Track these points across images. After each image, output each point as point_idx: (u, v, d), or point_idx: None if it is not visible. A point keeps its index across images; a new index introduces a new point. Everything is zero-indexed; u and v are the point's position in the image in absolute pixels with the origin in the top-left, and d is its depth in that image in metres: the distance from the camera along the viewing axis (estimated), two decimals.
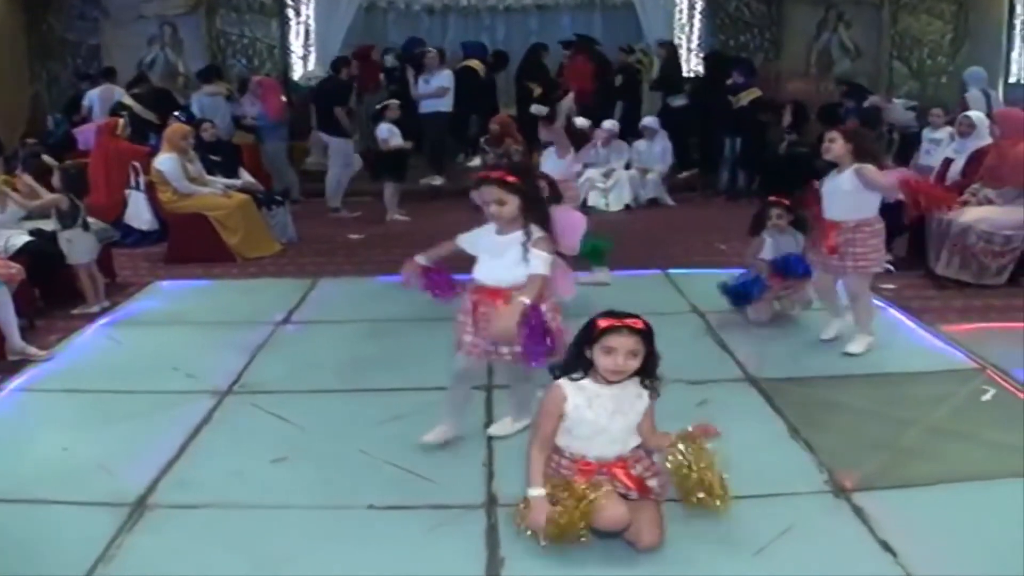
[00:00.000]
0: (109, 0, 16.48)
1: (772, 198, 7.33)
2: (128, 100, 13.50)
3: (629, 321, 3.75)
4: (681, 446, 4.01)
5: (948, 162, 9.55)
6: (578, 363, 3.88)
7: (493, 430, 5.04)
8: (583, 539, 3.82)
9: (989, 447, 4.92)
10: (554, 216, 4.77)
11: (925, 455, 4.84)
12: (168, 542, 4.09)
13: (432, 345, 6.12)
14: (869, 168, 6.15)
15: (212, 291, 8.54)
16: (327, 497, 4.45)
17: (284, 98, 14.23)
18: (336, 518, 4.27)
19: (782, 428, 5.17)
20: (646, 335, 3.78)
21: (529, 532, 3.88)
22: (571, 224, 4.78)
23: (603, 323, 3.76)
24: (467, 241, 4.78)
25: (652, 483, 3.92)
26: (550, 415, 3.89)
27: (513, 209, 4.50)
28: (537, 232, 4.52)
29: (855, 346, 6.39)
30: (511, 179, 4.52)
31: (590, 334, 3.80)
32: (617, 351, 3.74)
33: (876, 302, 7.46)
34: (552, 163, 8.06)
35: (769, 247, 7.11)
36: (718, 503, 4.00)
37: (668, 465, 4.02)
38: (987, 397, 5.63)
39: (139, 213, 10.63)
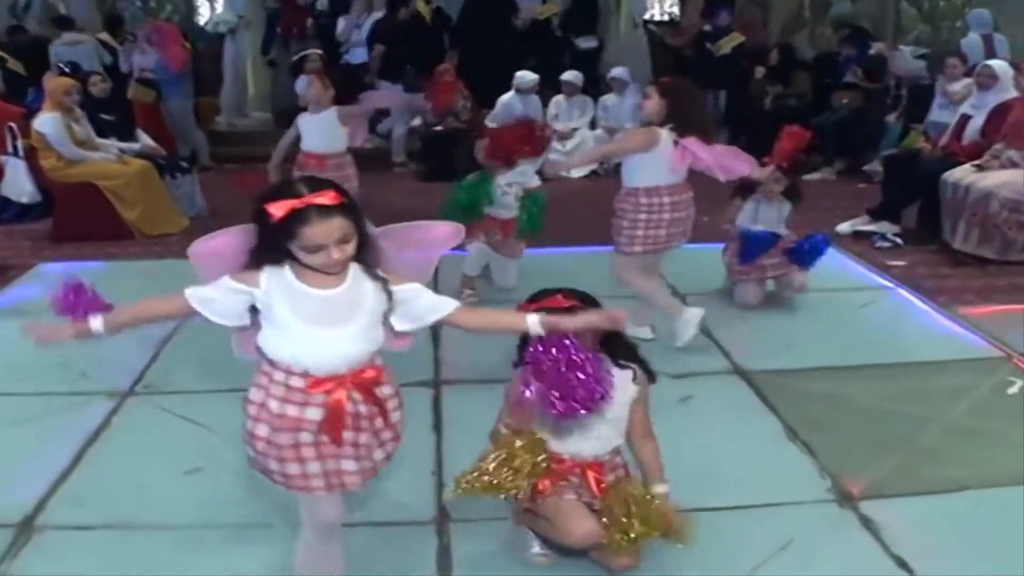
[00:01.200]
0: None
1: (766, 159, 7.37)
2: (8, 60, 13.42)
3: (549, 302, 3.55)
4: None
5: (965, 119, 9.60)
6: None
7: None
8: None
9: (1017, 447, 4.95)
10: (392, 236, 3.53)
11: (943, 457, 4.90)
12: (60, 570, 4.07)
13: None
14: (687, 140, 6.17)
15: (107, 274, 8.43)
16: (250, 514, 4.43)
17: (187, 46, 14.13)
18: (261, 539, 4.26)
19: (777, 428, 5.22)
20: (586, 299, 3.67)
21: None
22: (425, 242, 3.62)
23: (528, 304, 3.60)
24: (211, 303, 3.44)
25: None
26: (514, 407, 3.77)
27: (354, 248, 3.24)
28: (382, 273, 3.37)
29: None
30: (346, 199, 3.20)
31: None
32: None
33: (883, 281, 7.54)
34: None
35: (748, 214, 7.19)
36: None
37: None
38: (1014, 390, 5.70)
39: (18, 183, 10.52)
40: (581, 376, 3.36)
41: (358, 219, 3.22)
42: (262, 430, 3.35)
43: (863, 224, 9.26)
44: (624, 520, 3.72)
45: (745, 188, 7.18)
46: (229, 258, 3.38)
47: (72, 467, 4.91)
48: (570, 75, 13.42)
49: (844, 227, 9.24)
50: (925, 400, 5.52)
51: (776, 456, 4.93)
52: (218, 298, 3.36)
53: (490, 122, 13.07)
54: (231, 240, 3.42)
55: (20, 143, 10.51)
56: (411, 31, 14.20)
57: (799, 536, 4.16)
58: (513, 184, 7.29)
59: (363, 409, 3.35)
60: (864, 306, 7.24)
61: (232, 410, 4.71)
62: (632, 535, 3.72)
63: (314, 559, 3.68)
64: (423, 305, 3.40)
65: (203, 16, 16.68)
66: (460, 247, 6.91)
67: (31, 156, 10.29)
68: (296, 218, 3.08)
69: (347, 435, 3.35)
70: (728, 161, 6.25)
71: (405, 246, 3.56)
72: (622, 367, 3.79)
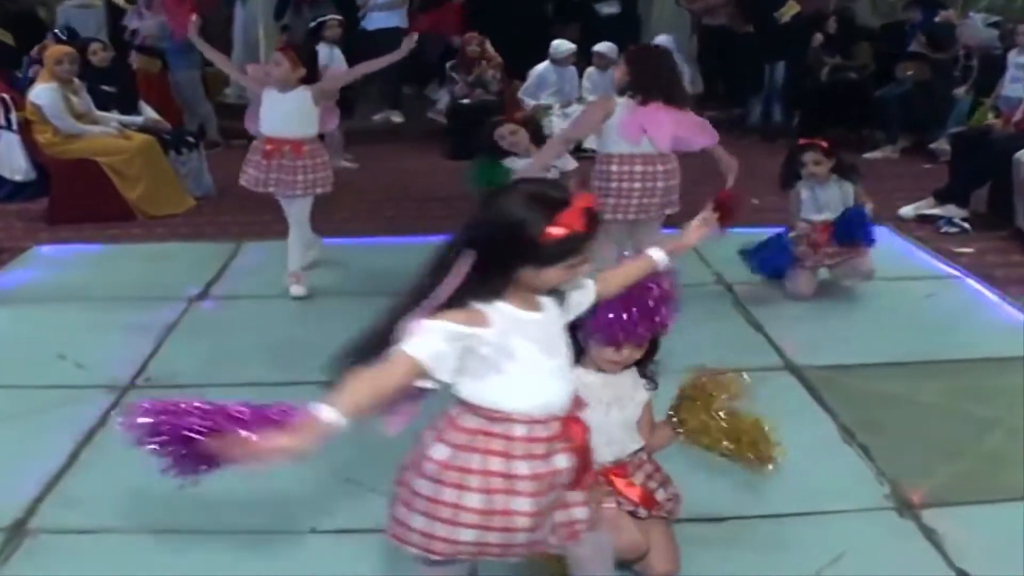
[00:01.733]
0: None
1: (803, 140, 7.37)
2: None
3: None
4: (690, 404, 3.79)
5: None
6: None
7: None
8: None
9: None
10: None
11: (1012, 462, 4.85)
12: (53, 574, 4.08)
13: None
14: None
15: (108, 258, 8.49)
16: (257, 519, 4.43)
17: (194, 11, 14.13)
18: (268, 546, 4.26)
19: (832, 429, 5.20)
20: None
21: None
22: None
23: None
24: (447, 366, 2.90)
25: (659, 495, 3.88)
26: None
27: None
28: None
29: None
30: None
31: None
32: (621, 345, 3.63)
33: (950, 270, 7.51)
34: None
35: (808, 202, 7.14)
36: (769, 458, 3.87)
37: (684, 430, 3.79)
38: None
39: (11, 159, 10.56)
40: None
41: None
42: (474, 501, 2.95)
43: (928, 207, 9.21)
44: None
45: (789, 175, 7.19)
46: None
47: (67, 466, 4.91)
48: (603, 47, 13.29)
49: (907, 210, 9.20)
50: (993, 400, 5.49)
51: (831, 460, 4.90)
52: (445, 350, 2.81)
53: (523, 95, 13.08)
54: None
55: (14, 116, 10.53)
56: None
57: (855, 546, 4.14)
58: (551, 169, 7.22)
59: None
60: (928, 297, 7.21)
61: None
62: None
63: None
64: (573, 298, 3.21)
65: None
66: None
67: (26, 130, 10.29)
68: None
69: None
70: (686, 133, 6.47)
71: None
72: (642, 375, 3.85)
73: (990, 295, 7.21)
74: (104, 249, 8.74)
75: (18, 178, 10.53)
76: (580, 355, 3.62)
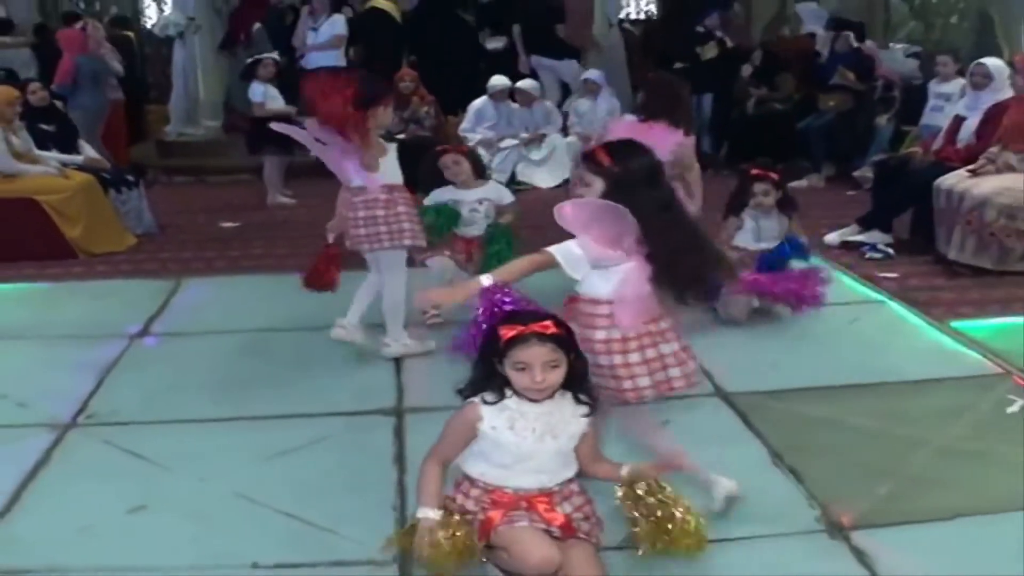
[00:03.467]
0: None
1: (756, 171, 7.40)
2: None
3: (536, 326, 3.58)
4: (639, 487, 3.93)
5: (959, 120, 9.66)
6: (491, 382, 3.72)
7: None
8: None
9: (1016, 470, 4.94)
10: None
11: (939, 482, 4.88)
12: None
13: (327, 360, 6.12)
14: None
15: (48, 296, 8.42)
16: (199, 555, 4.36)
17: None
18: None
19: (762, 453, 5.19)
20: (562, 340, 3.62)
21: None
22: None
23: (506, 332, 3.62)
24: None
25: (582, 525, 3.82)
26: (457, 434, 3.82)
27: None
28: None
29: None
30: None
31: (494, 347, 3.65)
32: (532, 366, 3.58)
33: (874, 295, 7.58)
34: None
35: (749, 231, 7.19)
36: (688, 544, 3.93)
37: (622, 507, 3.97)
38: (1014, 408, 5.69)
39: None
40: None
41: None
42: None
43: (852, 234, 9.28)
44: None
45: (737, 205, 7.23)
46: None
47: (9, 506, 4.82)
48: (526, 83, 13.38)
49: (833, 237, 9.27)
50: (919, 421, 5.52)
51: (761, 484, 4.85)
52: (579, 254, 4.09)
53: (462, 131, 13.09)
54: None
55: None
56: (376, 31, 14.24)
57: (787, 570, 4.14)
58: (484, 201, 7.30)
59: None
60: (854, 321, 7.24)
61: (181, 442, 4.69)
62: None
63: None
64: None
65: (150, 19, 16.62)
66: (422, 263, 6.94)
67: None
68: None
69: None
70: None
71: None
72: (579, 402, 3.79)
73: (913, 318, 7.26)
74: (45, 287, 8.67)
75: None
76: (505, 386, 3.70)
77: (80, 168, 10.31)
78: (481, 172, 7.55)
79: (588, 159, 4.20)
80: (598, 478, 3.98)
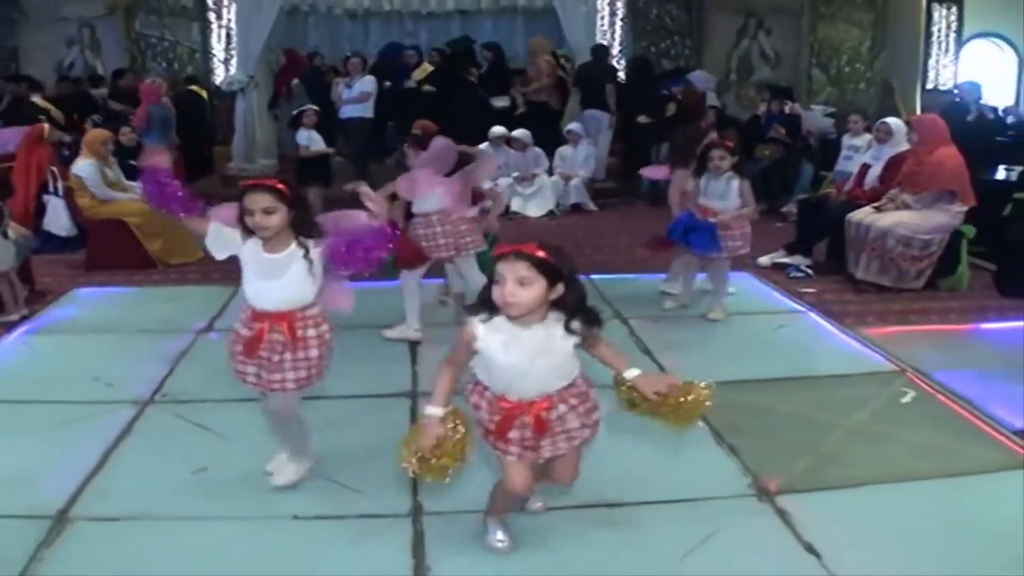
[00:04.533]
0: (28, 1, 16.25)
1: (714, 139, 7.60)
2: (41, 102, 13.36)
3: (520, 246, 3.39)
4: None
5: (866, 168, 9.66)
6: (487, 302, 3.51)
7: (279, 480, 4.55)
8: (447, 478, 3.65)
9: (910, 448, 4.99)
10: (333, 221, 4.31)
11: (847, 458, 4.89)
12: (90, 555, 4.01)
13: (358, 353, 6.10)
14: None
15: (133, 298, 8.40)
16: (251, 508, 4.38)
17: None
18: (260, 529, 4.21)
19: (706, 433, 5.15)
20: (540, 263, 3.35)
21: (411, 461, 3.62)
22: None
23: (497, 251, 3.48)
24: (219, 234, 4.38)
25: (572, 423, 3.64)
26: (460, 350, 3.65)
27: (281, 220, 4.08)
28: (313, 243, 4.15)
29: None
30: (281, 186, 4.09)
31: (493, 268, 3.48)
32: (505, 279, 3.36)
33: (797, 306, 7.60)
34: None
35: (700, 188, 7.26)
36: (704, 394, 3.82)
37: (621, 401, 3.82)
38: (907, 399, 5.71)
39: (58, 219, 10.46)
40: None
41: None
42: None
43: (780, 257, 9.28)
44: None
45: (700, 168, 7.31)
46: None
47: (100, 466, 4.83)
48: (519, 133, 13.36)
49: (764, 260, 9.25)
50: (832, 408, 5.51)
51: (705, 457, 4.90)
52: None
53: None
54: None
55: (60, 184, 10.45)
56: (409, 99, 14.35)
57: (724, 526, 4.14)
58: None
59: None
60: (780, 327, 7.23)
61: (238, 417, 4.68)
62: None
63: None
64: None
65: (219, 76, 16.61)
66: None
67: (69, 196, 10.21)
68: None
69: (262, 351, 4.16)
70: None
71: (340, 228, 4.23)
72: (569, 332, 3.51)
73: (829, 326, 7.23)
74: (130, 291, 8.65)
75: (63, 234, 10.41)
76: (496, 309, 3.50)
77: None
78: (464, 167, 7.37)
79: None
80: (608, 364, 3.75)
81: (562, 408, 3.61)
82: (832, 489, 4.54)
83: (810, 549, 3.97)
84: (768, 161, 13.06)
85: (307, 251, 4.12)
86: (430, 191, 6.73)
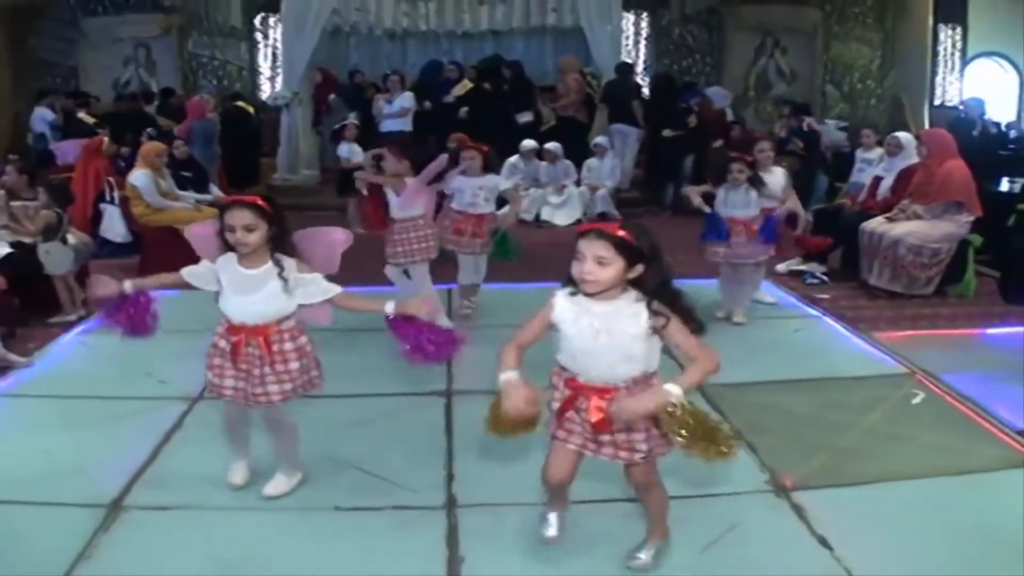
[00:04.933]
0: (87, 22, 16.46)
1: (735, 153, 7.59)
2: (86, 117, 13.48)
3: (601, 224, 3.36)
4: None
5: (878, 180, 9.61)
6: (572, 279, 3.40)
7: (268, 490, 4.43)
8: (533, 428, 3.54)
9: (920, 447, 4.97)
10: (309, 237, 4.29)
11: (860, 456, 4.87)
12: (142, 542, 4.04)
13: (394, 354, 6.09)
14: None
15: (184, 301, 8.28)
16: (294, 499, 4.41)
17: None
18: (303, 519, 4.23)
19: (726, 430, 5.12)
20: (620, 243, 3.26)
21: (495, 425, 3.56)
22: (328, 243, 4.27)
23: (578, 229, 3.41)
24: (195, 275, 4.36)
25: (636, 436, 3.47)
26: (535, 320, 3.52)
27: (260, 237, 4.03)
28: (289, 261, 4.10)
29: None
30: (261, 204, 4.03)
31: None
32: (584, 256, 3.28)
33: (813, 311, 7.56)
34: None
35: (720, 199, 7.27)
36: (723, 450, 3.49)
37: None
38: (917, 400, 5.68)
39: (114, 226, 10.55)
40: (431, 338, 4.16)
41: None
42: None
43: (797, 264, 9.23)
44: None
45: (718, 179, 7.36)
46: None
47: (152, 458, 4.88)
48: (551, 146, 13.35)
49: (781, 267, 9.20)
50: (846, 408, 5.49)
51: None
52: None
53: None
54: None
55: (116, 194, 10.54)
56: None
57: (742, 520, 4.14)
58: (483, 188, 7.38)
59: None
60: (797, 331, 7.20)
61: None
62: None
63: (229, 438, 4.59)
64: (314, 289, 4.10)
65: (265, 92, 16.71)
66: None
67: (125, 204, 10.28)
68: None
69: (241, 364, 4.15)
70: None
71: (315, 245, 4.25)
72: (654, 313, 3.35)
73: (842, 330, 7.21)
74: (181, 294, 8.60)
75: (118, 240, 10.49)
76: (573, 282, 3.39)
77: (210, 204, 10.33)
78: (489, 169, 7.53)
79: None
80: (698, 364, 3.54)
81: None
82: (845, 486, 4.52)
83: (823, 542, 3.96)
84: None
85: (282, 269, 4.06)
86: (420, 200, 7.07)
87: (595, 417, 3.42)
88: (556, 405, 3.53)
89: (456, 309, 7.58)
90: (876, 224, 8.54)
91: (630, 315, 3.35)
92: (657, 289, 3.36)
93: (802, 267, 9.15)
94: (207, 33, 16.85)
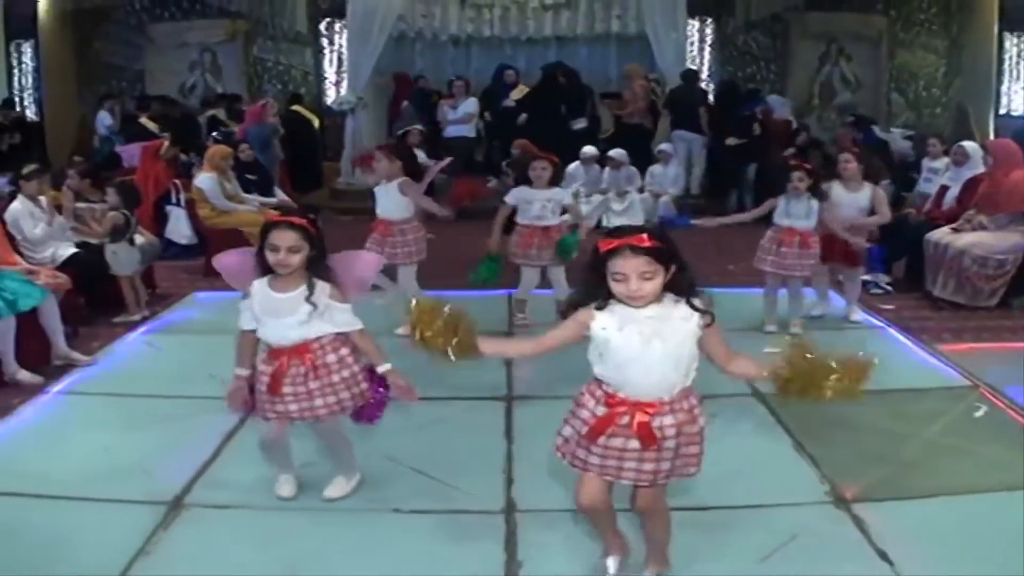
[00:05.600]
0: (153, 28, 16.74)
1: (794, 162, 7.54)
2: (149, 123, 13.71)
3: (631, 239, 3.19)
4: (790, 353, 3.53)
5: (944, 189, 9.52)
6: (597, 292, 3.31)
7: (329, 492, 4.47)
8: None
9: (982, 461, 4.90)
10: (343, 260, 4.32)
11: (922, 468, 4.81)
12: (202, 540, 4.10)
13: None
14: None
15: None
16: (353, 500, 4.44)
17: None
18: (362, 520, 4.26)
19: (787, 442, 5.14)
20: (658, 252, 3.20)
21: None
22: (362, 266, 4.30)
23: (604, 246, 3.24)
24: (247, 321, 4.24)
25: (669, 443, 3.34)
26: (566, 328, 3.41)
27: (302, 259, 4.00)
28: (323, 286, 4.08)
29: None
30: (307, 225, 4.02)
31: (596, 261, 3.27)
32: (628, 276, 3.18)
33: (876, 321, 7.46)
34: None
35: (781, 208, 7.19)
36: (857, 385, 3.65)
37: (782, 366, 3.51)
38: (980, 414, 5.60)
39: (179, 228, 10.66)
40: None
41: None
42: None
43: (861, 274, 9.15)
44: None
45: (779, 188, 7.26)
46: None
47: (214, 457, 4.95)
48: (616, 152, 13.31)
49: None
50: (908, 421, 5.43)
51: (785, 465, 4.87)
52: None
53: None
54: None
55: (182, 196, 10.66)
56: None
57: (801, 531, 4.09)
58: (551, 200, 7.32)
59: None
60: (859, 342, 7.10)
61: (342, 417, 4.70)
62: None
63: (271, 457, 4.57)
64: (339, 319, 4.13)
65: (330, 96, 16.86)
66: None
67: (190, 206, 10.42)
68: None
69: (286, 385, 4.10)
70: None
71: (348, 268, 4.27)
72: (694, 309, 3.31)
73: (906, 341, 7.13)
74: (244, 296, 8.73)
75: (183, 242, 10.60)
76: (610, 296, 3.29)
77: (274, 207, 10.42)
78: (556, 182, 7.47)
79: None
80: (737, 375, 3.63)
81: (668, 420, 3.32)
82: (907, 499, 4.46)
83: (883, 556, 3.91)
84: None
85: (311, 293, 4.04)
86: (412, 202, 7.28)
87: (641, 432, 3.30)
88: (585, 429, 3.39)
89: (513, 320, 7.56)
90: (941, 235, 8.45)
91: (679, 317, 3.29)
92: (691, 288, 3.33)
93: (867, 277, 9.06)
94: (272, 38, 17.06)
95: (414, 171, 7.44)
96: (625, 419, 3.30)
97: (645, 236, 3.21)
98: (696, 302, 3.30)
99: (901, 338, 7.22)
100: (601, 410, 3.34)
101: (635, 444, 3.31)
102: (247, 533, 4.15)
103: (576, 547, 3.95)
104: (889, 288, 8.85)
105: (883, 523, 4.18)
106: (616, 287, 3.23)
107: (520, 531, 4.12)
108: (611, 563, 3.70)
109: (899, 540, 4.02)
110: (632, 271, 3.18)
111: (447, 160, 8.13)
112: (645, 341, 3.24)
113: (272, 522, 4.25)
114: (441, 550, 3.99)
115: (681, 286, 3.30)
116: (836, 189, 7.45)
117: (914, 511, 4.35)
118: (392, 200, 7.20)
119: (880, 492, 4.51)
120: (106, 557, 3.89)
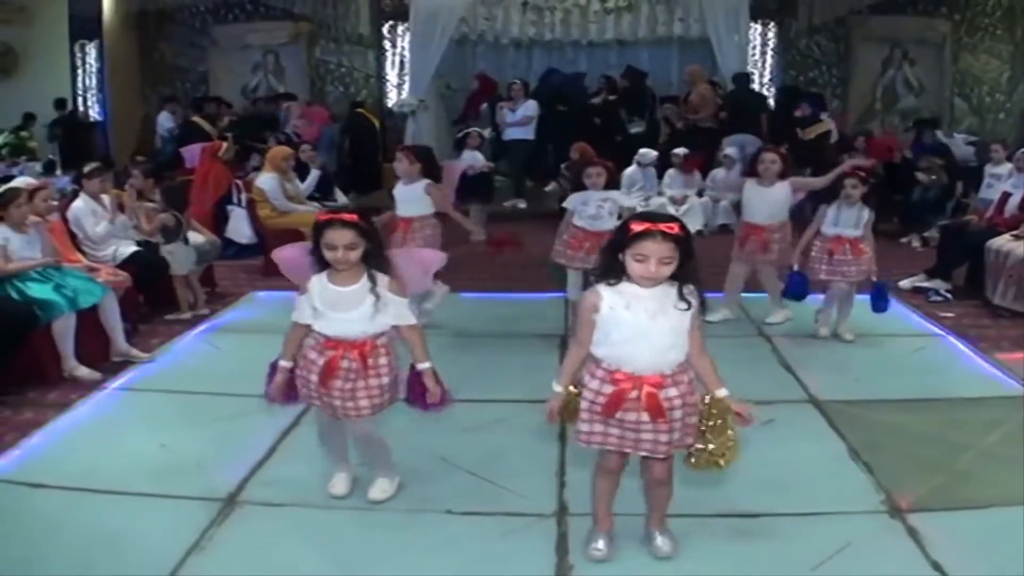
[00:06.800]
0: (217, 29, 16.94)
1: (849, 169, 7.44)
2: (205, 125, 13.89)
3: (663, 226, 3.43)
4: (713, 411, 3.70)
5: (1006, 196, 9.41)
6: (612, 269, 3.56)
7: (373, 494, 4.46)
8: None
9: None
10: (405, 256, 4.49)
11: (978, 479, 4.74)
12: (255, 537, 4.14)
13: (510, 361, 6.16)
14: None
15: None
16: (407, 501, 4.45)
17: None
18: (414, 521, 4.27)
19: (843, 449, 5.07)
20: (681, 241, 3.45)
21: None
22: (423, 263, 4.38)
23: (636, 227, 3.45)
24: (302, 315, 4.20)
25: (676, 413, 3.58)
26: (584, 320, 3.64)
27: (360, 255, 4.02)
28: (383, 278, 4.09)
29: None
30: (362, 222, 4.02)
31: (623, 239, 3.48)
32: (649, 258, 3.42)
33: (935, 329, 7.38)
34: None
35: (830, 217, 7.14)
36: (720, 462, 3.73)
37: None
38: None
39: (239, 228, 10.79)
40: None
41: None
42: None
43: (921, 281, 9.04)
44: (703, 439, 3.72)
45: (832, 195, 7.23)
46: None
47: (269, 455, 4.99)
48: (680, 150, 13.27)
49: (905, 283, 9.03)
50: (965, 430, 5.35)
51: (840, 473, 4.80)
52: None
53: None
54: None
55: (243, 196, 10.78)
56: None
57: (855, 540, 4.05)
58: (608, 201, 7.25)
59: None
60: (918, 350, 7.04)
61: (396, 416, 4.73)
62: (710, 447, 3.71)
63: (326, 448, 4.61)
64: (395, 312, 4.11)
65: (392, 99, 16.94)
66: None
67: (251, 207, 10.53)
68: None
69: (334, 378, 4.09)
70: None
71: (410, 264, 4.37)
72: (681, 297, 3.54)
73: (965, 349, 7.03)
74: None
75: (243, 241, 10.73)
76: (623, 274, 3.55)
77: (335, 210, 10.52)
78: (612, 185, 7.47)
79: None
80: (696, 371, 3.70)
81: (672, 392, 3.58)
82: (962, 509, 4.40)
83: (937, 568, 3.85)
84: (937, 189, 12.49)
85: (375, 285, 4.05)
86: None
87: (650, 403, 3.54)
88: (598, 406, 3.64)
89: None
90: (1002, 242, 8.34)
91: (676, 296, 3.54)
92: (694, 277, 3.57)
93: (926, 284, 8.97)
94: (335, 40, 17.16)
95: (435, 173, 7.50)
96: (634, 393, 3.55)
97: (676, 225, 3.47)
98: (685, 291, 3.54)
99: (959, 346, 7.12)
100: (608, 388, 3.58)
101: (646, 417, 3.56)
102: (300, 531, 4.18)
103: (627, 550, 3.94)
104: (949, 296, 8.75)
105: (937, 533, 4.11)
106: (635, 266, 3.47)
107: (572, 534, 4.11)
108: (602, 543, 3.92)
109: (953, 551, 3.96)
110: (655, 254, 3.42)
111: (483, 164, 8.10)
112: (651, 317, 3.51)
113: (325, 521, 4.28)
114: (493, 552, 3.99)
115: (689, 275, 3.54)
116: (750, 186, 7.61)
117: (969, 522, 4.28)
118: (412, 199, 7.32)
119: (935, 502, 4.44)
120: (160, 552, 3.94)
